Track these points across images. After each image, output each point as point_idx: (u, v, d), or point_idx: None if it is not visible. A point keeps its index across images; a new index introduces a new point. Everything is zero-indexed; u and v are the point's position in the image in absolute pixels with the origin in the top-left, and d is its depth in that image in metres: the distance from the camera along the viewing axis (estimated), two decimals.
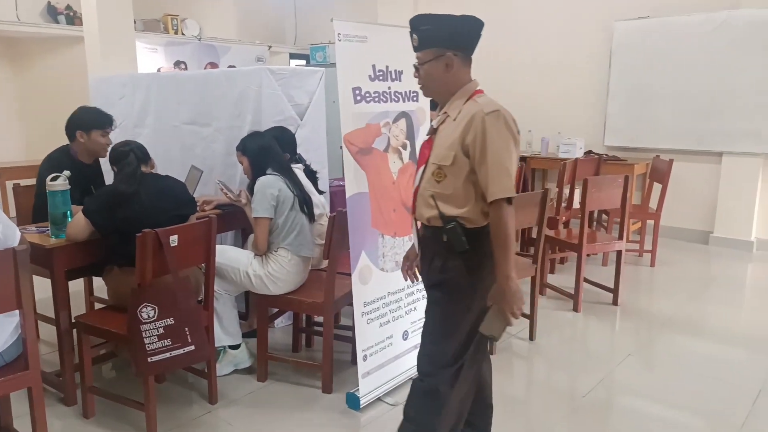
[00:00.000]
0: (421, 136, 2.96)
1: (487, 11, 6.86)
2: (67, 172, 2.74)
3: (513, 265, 1.78)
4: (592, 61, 6.19)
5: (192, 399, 2.81)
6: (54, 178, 2.69)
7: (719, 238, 5.57)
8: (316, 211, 3.05)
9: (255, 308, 3.16)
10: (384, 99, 2.74)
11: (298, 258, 2.85)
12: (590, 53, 6.20)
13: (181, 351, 2.47)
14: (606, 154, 5.96)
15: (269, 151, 2.86)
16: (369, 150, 2.69)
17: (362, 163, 2.65)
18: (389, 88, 2.76)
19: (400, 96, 2.82)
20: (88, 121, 3.11)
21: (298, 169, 3.08)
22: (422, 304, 3.01)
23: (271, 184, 2.77)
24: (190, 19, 7.38)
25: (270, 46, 7.78)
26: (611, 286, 4.09)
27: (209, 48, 7.44)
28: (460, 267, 1.87)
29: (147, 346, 2.39)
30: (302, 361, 2.92)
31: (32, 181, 5.67)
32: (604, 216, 5.32)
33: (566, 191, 4.91)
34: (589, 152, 6.09)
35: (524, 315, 3.53)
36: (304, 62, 8.18)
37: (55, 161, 3.07)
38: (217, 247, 3.02)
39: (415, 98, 2.90)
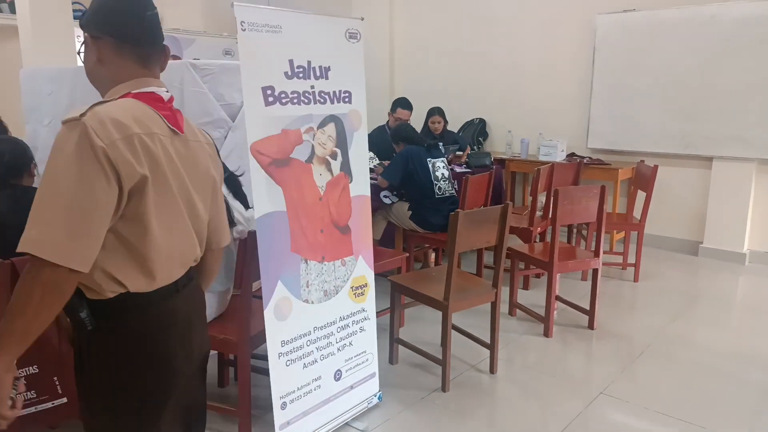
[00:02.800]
0: (358, 143, 2.54)
1: (463, 8, 6.50)
2: None
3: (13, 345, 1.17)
4: (575, 58, 5.77)
5: None
6: None
7: (709, 249, 5.16)
8: (239, 228, 2.63)
9: None
10: (305, 100, 2.31)
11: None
12: (572, 49, 5.78)
13: (49, 404, 2.05)
14: (589, 158, 5.55)
15: None
16: (286, 161, 2.26)
17: (278, 176, 2.23)
18: (312, 87, 2.33)
19: (327, 97, 2.39)
20: None
21: None
22: (360, 338, 2.60)
23: None
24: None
25: None
26: (588, 305, 3.68)
27: (171, 40, 6.96)
28: None
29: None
30: (217, 405, 2.50)
31: None
32: (584, 227, 4.90)
33: (543, 198, 4.50)
34: (572, 155, 5.68)
35: (484, 345, 3.12)
36: None
37: None
38: None
39: (347, 99, 2.47)
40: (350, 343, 2.60)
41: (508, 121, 6.24)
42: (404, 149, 4.10)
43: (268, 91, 2.17)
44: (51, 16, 4.64)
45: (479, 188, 4.08)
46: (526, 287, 4.36)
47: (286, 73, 2.23)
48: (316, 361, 2.45)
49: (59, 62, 4.68)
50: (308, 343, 2.41)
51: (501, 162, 5.78)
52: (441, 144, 4.81)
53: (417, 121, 5.35)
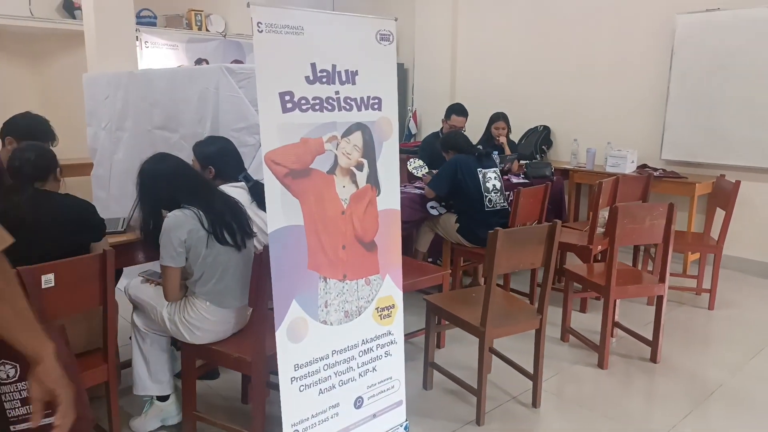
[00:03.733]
0: (387, 153, 2.35)
1: (530, 9, 6.15)
2: None
3: None
4: (650, 62, 5.32)
5: None
6: None
7: None
8: (263, 239, 2.51)
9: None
10: (329, 107, 2.14)
11: (220, 308, 2.31)
12: (647, 51, 5.33)
13: (52, 419, 1.97)
14: (662, 170, 5.08)
15: (176, 178, 2.32)
16: (306, 171, 2.11)
17: (294, 188, 2.07)
18: (337, 93, 2.16)
19: (353, 103, 2.21)
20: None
21: (237, 189, 2.54)
22: (385, 363, 2.42)
23: (178, 225, 2.22)
24: (215, 14, 7.04)
25: None
26: (651, 336, 3.31)
27: (234, 45, 7.07)
28: None
29: (8, 411, 1.92)
30: (232, 427, 2.38)
31: None
32: (654, 246, 4.47)
33: (606, 214, 4.13)
34: (643, 166, 5.23)
35: (526, 374, 2.84)
36: None
37: None
38: (136, 279, 2.55)
39: (376, 106, 2.29)
40: (374, 369, 2.41)
41: (574, 128, 5.85)
42: (453, 158, 3.87)
43: (287, 97, 2.02)
44: (113, 22, 4.74)
45: (533, 201, 3.79)
46: (583, 309, 4.01)
47: (307, 78, 2.07)
48: (333, 386, 2.28)
49: (121, 67, 4.77)
50: (325, 367, 2.24)
51: (564, 173, 5.42)
52: (497, 153, 4.55)
53: (476, 129, 5.10)
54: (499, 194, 3.84)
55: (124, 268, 3.03)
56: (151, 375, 2.53)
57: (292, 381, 2.14)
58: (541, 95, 6.09)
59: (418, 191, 4.02)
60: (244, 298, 2.31)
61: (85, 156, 4.67)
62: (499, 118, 4.99)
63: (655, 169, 5.08)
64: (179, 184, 2.29)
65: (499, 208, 3.81)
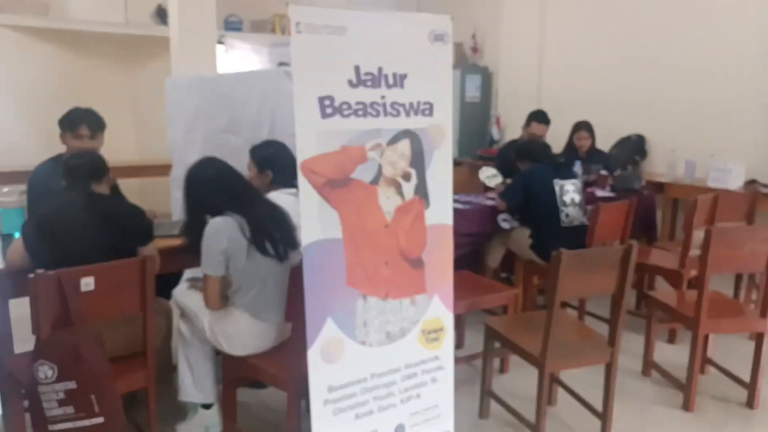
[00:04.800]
0: (439, 163, 2.17)
1: (626, 6, 5.69)
2: (22, 187, 2.43)
3: None
4: (763, 63, 4.73)
5: None
6: (5, 194, 2.38)
7: None
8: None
9: None
10: (373, 113, 2.00)
11: (259, 321, 2.23)
12: (761, 52, 4.75)
13: (86, 422, 1.98)
14: None
15: (219, 184, 2.25)
16: (346, 181, 1.97)
17: (333, 198, 1.95)
18: (383, 97, 2.01)
19: (401, 109, 2.05)
20: (62, 121, 2.80)
21: (289, 196, 2.45)
22: (431, 390, 2.23)
23: (218, 232, 2.16)
24: None
25: None
26: (749, 377, 2.88)
27: None
28: None
29: (46, 411, 1.94)
30: None
31: (139, 181, 5.81)
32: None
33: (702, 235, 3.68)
34: (752, 182, 4.65)
35: (595, 413, 2.55)
36: None
37: (41, 174, 2.78)
38: (182, 285, 2.53)
39: (427, 112, 2.11)
40: (417, 395, 2.23)
41: (672, 138, 5.33)
42: (527, 168, 3.60)
43: (326, 102, 1.90)
44: (196, 28, 4.89)
45: (615, 218, 3.43)
46: (671, 341, 3.60)
47: (350, 81, 1.94)
48: (372, 412, 2.12)
49: (202, 71, 4.91)
50: (363, 391, 2.09)
51: (659, 186, 4.94)
52: (580, 163, 4.21)
53: (562, 137, 4.76)
54: (578, 208, 3.53)
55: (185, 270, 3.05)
56: (195, 382, 2.49)
57: (324, 403, 2.01)
58: (635, 101, 5.61)
59: (489, 202, 3.79)
60: (283, 312, 2.21)
61: (168, 157, 4.84)
62: (581, 127, 4.63)
63: (765, 186, 4.50)
64: (222, 190, 2.24)
65: (577, 224, 3.49)
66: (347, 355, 2.04)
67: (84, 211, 2.20)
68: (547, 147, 3.84)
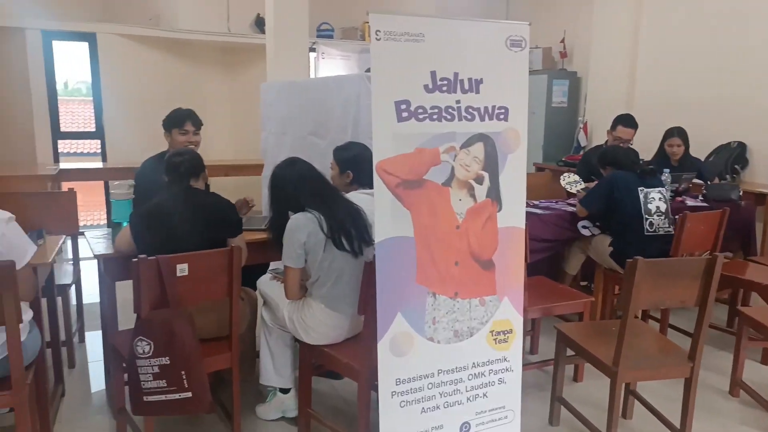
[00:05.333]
0: (513, 167, 2.20)
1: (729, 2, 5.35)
2: (131, 182, 2.70)
3: None
4: None
5: None
6: (116, 187, 2.65)
7: None
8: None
9: None
10: (448, 117, 2.06)
11: (334, 312, 2.35)
12: None
13: (176, 396, 2.18)
14: None
15: (302, 183, 2.40)
16: (419, 182, 2.05)
17: (406, 199, 2.03)
18: (458, 102, 2.07)
19: (476, 113, 2.10)
20: (168, 120, 3.05)
21: (367, 196, 2.56)
22: (498, 390, 2.27)
23: (299, 227, 2.31)
24: None
25: None
26: None
27: None
28: None
29: (142, 383, 2.15)
30: (338, 430, 2.41)
31: (234, 180, 6.20)
32: None
33: None
34: None
35: (673, 429, 2.46)
36: None
37: (147, 169, 3.06)
38: (267, 275, 2.71)
39: (502, 116, 2.15)
40: (484, 395, 2.26)
41: None
42: (610, 174, 3.51)
43: (402, 106, 1.99)
44: (290, 36, 5.15)
45: (704, 228, 3.28)
46: (765, 361, 3.38)
47: (426, 86, 2.02)
48: (438, 407, 2.18)
49: (294, 77, 5.16)
50: (430, 386, 2.16)
51: (761, 198, 4.63)
52: (668, 171, 4.04)
53: (655, 144, 4.58)
54: (663, 217, 3.40)
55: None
56: (275, 367, 2.66)
57: (392, 395, 2.09)
58: (736, 106, 5.27)
59: (570, 208, 3.73)
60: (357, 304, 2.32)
61: (261, 158, 5.14)
62: (673, 133, 4.42)
63: None
64: (304, 188, 2.38)
65: (662, 233, 3.37)
66: (415, 350, 2.11)
67: (182, 205, 2.41)
68: (631, 153, 3.72)
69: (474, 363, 2.23)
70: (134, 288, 2.12)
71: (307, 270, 2.37)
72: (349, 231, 2.33)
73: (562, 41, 6.85)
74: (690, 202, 4.07)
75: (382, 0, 7.35)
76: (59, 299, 3.02)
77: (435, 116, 2.04)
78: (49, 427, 2.46)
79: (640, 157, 4.65)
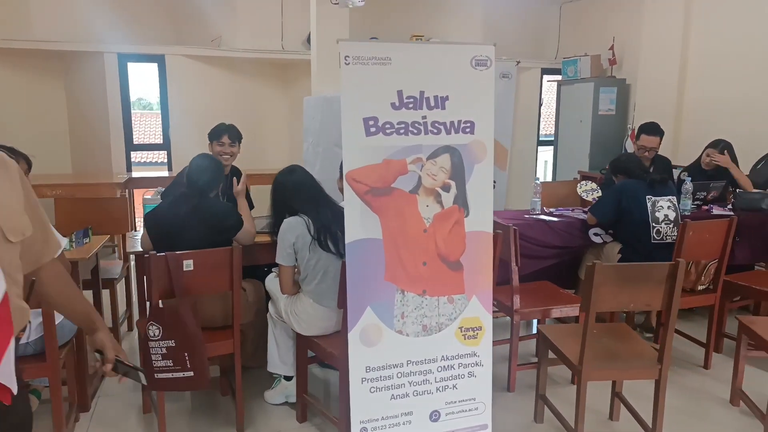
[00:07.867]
0: (480, 176, 2.38)
1: None
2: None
3: None
4: None
5: (218, 421, 2.84)
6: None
7: None
8: None
9: None
10: (414, 131, 2.28)
11: (321, 306, 2.62)
12: None
13: (181, 374, 2.51)
14: None
15: (299, 189, 2.67)
16: (387, 190, 2.28)
17: (375, 204, 2.26)
18: (424, 117, 2.28)
19: (442, 127, 2.30)
20: (210, 133, 3.45)
21: None
22: (468, 383, 2.45)
23: (290, 228, 2.60)
24: (435, 37, 7.50)
25: (518, 62, 7.39)
26: None
27: None
28: None
29: (153, 362, 2.51)
30: (328, 413, 2.66)
31: None
32: None
33: None
34: None
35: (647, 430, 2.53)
36: (559, 77, 7.51)
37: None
38: (272, 273, 3.01)
39: (468, 129, 2.34)
40: (454, 386, 2.45)
41: None
42: (619, 183, 3.57)
43: (371, 122, 2.23)
44: (331, 52, 5.48)
45: (709, 237, 3.26)
46: None
47: (393, 104, 2.25)
48: (407, 395, 2.39)
49: (335, 91, 5.49)
50: (399, 375, 2.37)
51: None
52: (690, 179, 4.01)
53: (695, 151, 4.51)
54: (672, 226, 3.42)
55: None
56: (280, 356, 2.95)
57: (362, 381, 2.33)
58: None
59: (582, 216, 3.80)
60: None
61: None
62: (715, 146, 4.33)
63: None
64: (300, 195, 2.67)
65: (670, 241, 3.39)
66: (385, 341, 2.33)
67: (188, 210, 2.74)
68: (643, 162, 3.74)
69: (444, 356, 2.42)
70: (146, 280, 2.48)
71: (298, 267, 2.65)
72: (336, 233, 2.59)
73: (611, 48, 6.79)
74: (717, 211, 4.01)
75: (428, 20, 7.63)
76: (107, 291, 3.47)
77: (402, 131, 2.27)
78: (87, 399, 2.88)
79: (674, 165, 4.62)
